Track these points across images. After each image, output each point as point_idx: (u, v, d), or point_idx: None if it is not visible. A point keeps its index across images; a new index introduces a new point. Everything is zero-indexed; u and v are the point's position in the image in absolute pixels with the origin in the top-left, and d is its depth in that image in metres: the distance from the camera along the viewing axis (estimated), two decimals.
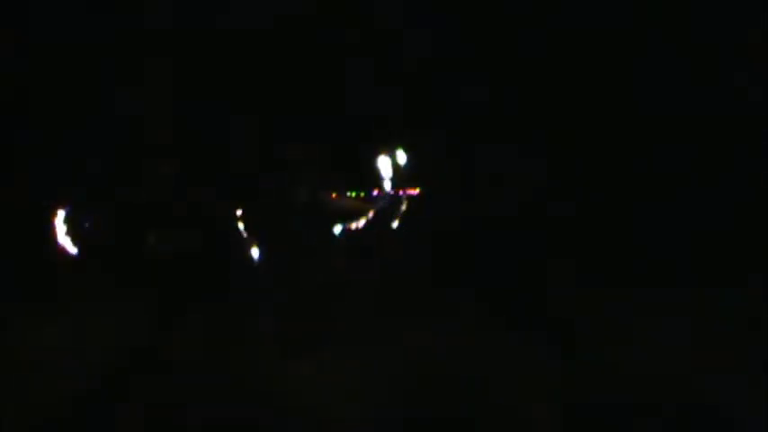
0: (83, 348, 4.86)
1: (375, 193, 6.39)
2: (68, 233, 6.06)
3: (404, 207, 6.41)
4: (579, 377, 4.33)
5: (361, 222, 6.21)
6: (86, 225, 6.17)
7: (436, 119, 6.77)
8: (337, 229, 6.07)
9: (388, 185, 6.31)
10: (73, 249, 6.00)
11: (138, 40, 6.32)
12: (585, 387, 4.19)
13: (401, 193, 6.42)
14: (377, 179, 6.36)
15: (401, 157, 6.28)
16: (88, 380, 4.36)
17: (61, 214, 5.98)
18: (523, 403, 3.95)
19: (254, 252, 5.89)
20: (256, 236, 5.92)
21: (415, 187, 6.53)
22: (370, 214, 6.28)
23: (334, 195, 6.24)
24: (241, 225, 5.98)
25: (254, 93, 6.50)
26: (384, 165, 6.26)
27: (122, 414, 3.92)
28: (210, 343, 4.99)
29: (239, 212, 6.00)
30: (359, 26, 6.51)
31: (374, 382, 4.26)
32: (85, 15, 6.19)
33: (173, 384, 4.32)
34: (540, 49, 6.62)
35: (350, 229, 6.16)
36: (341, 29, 6.53)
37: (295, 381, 4.34)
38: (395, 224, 6.42)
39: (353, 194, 6.39)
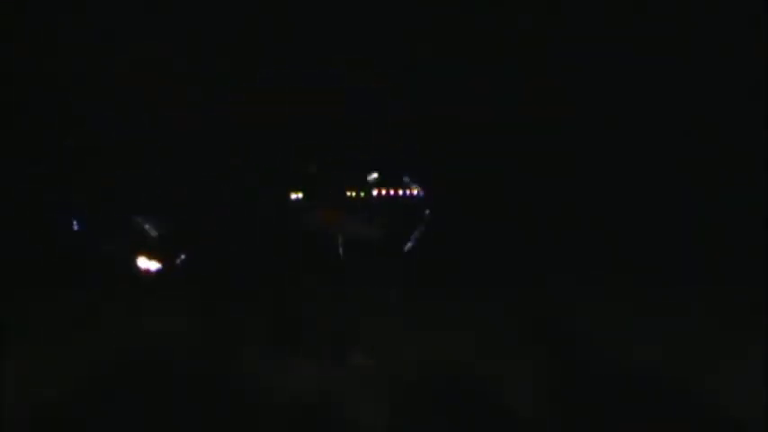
0: (83, 348, 4.86)
1: (375, 193, 6.40)
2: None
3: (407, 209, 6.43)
4: (579, 377, 4.34)
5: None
6: (85, 225, 6.19)
7: (435, 119, 6.78)
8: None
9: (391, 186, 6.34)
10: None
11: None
12: (585, 387, 4.20)
13: (403, 193, 6.43)
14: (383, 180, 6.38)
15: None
16: (89, 379, 4.36)
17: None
18: (523, 403, 3.96)
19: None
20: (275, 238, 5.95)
21: (414, 188, 6.54)
22: (374, 216, 6.29)
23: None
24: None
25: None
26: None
27: (123, 413, 3.92)
28: (219, 342, 4.99)
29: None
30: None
31: (374, 383, 4.27)
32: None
33: (173, 384, 4.32)
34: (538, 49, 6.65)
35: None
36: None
37: (302, 380, 4.34)
38: (395, 225, 6.43)
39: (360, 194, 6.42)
